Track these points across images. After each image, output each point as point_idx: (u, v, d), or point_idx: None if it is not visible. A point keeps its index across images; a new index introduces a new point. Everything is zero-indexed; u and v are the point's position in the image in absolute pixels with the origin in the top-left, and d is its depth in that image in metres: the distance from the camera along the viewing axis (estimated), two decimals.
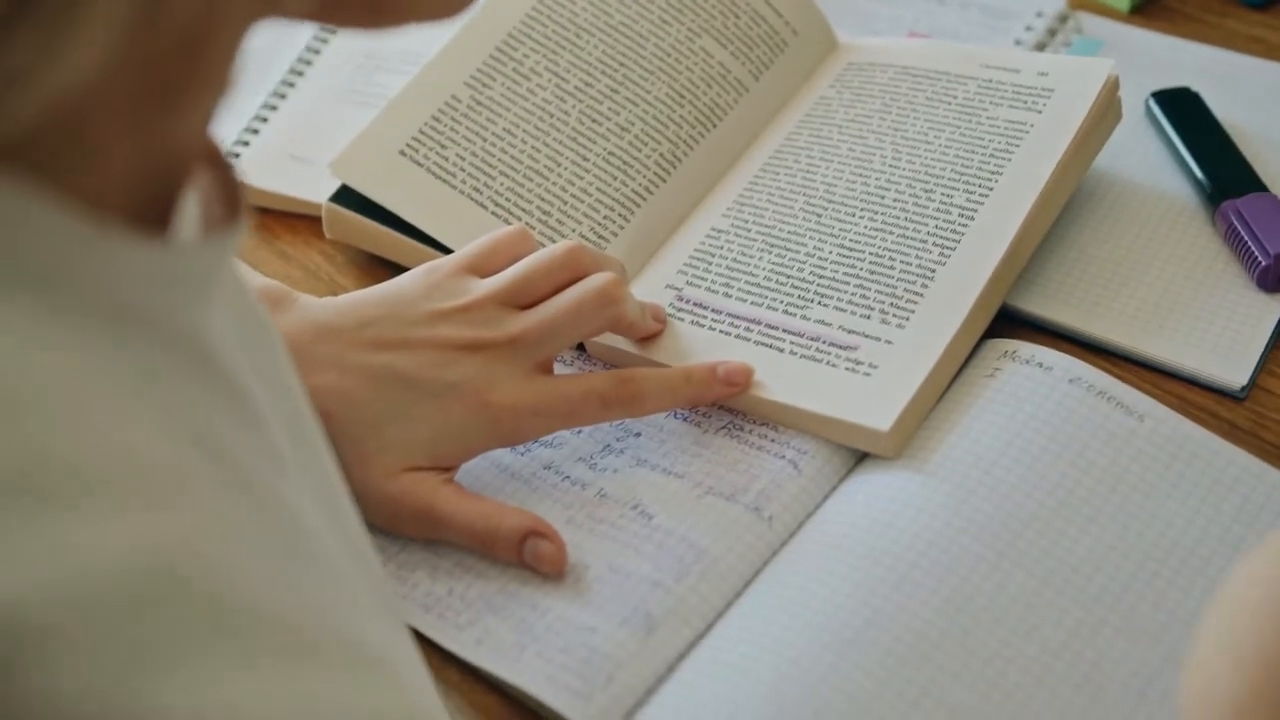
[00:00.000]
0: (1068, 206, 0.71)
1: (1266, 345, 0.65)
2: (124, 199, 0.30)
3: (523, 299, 0.60)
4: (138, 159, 0.30)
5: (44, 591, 0.21)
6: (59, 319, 0.26)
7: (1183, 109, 0.76)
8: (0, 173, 0.26)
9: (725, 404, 0.64)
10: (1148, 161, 0.75)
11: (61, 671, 0.21)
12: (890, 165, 0.71)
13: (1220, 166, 0.72)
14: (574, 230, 0.71)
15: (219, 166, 0.36)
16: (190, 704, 0.22)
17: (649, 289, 0.69)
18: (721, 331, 0.66)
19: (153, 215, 0.32)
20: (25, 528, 0.21)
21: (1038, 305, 0.68)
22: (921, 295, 0.64)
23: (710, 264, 0.69)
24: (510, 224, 0.69)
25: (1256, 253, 0.67)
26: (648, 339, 0.66)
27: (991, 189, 0.68)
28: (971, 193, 0.68)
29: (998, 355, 0.64)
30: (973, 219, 0.67)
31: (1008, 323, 0.67)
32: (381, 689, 0.26)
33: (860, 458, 0.62)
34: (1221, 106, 0.76)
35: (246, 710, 0.23)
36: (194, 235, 0.34)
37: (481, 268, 0.62)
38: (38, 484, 0.22)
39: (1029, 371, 0.62)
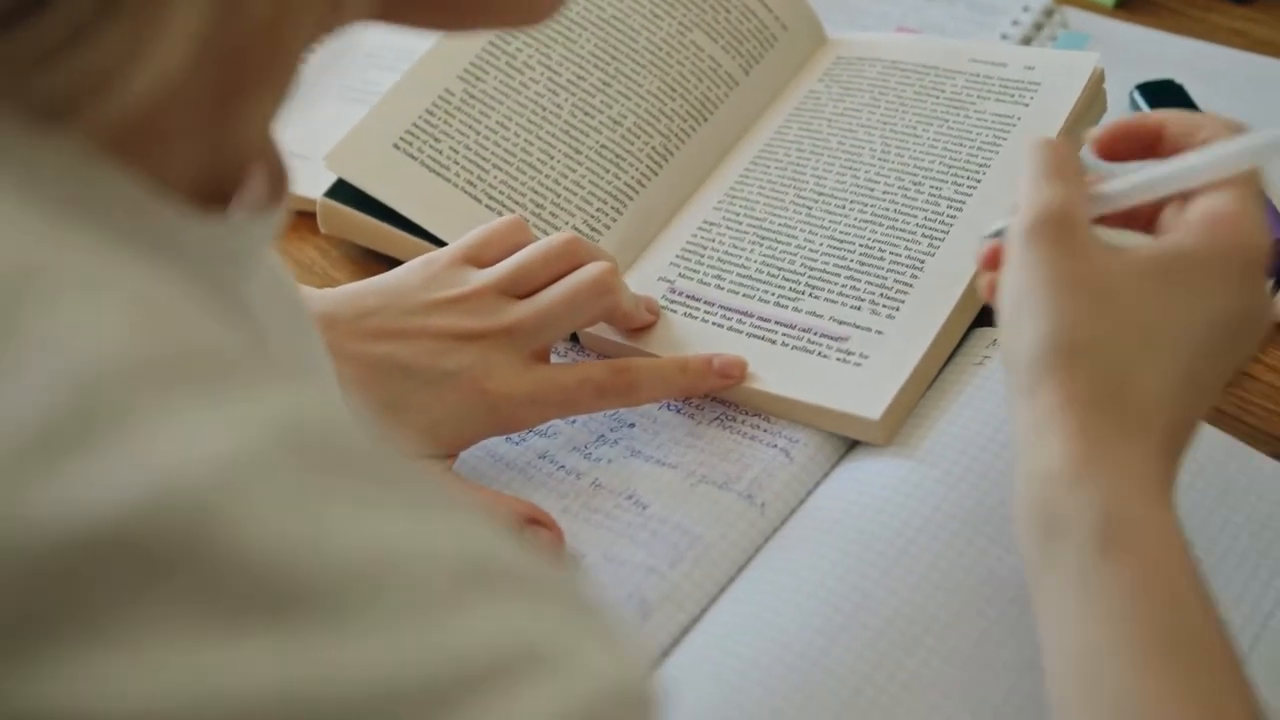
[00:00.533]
0: None
1: None
2: (186, 183, 0.31)
3: (520, 288, 0.61)
4: (203, 152, 0.32)
5: (222, 458, 0.23)
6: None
7: (1167, 100, 0.77)
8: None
9: (718, 396, 0.64)
10: None
11: (252, 522, 0.23)
12: (879, 158, 0.72)
13: None
14: (567, 223, 0.72)
15: (271, 156, 0.38)
16: (376, 544, 0.24)
17: (642, 281, 0.70)
18: (714, 323, 0.67)
19: (214, 195, 0.34)
20: (192, 406, 0.23)
21: None
22: (911, 286, 0.65)
23: (702, 256, 0.70)
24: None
25: None
26: (640, 330, 0.67)
27: (980, 181, 0.69)
28: (960, 185, 0.69)
29: (986, 344, 0.65)
30: (961, 210, 0.68)
31: (991, 311, 0.68)
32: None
33: (851, 445, 0.62)
34: (1204, 98, 0.77)
35: (438, 547, 0.24)
36: (241, 214, 0.36)
37: (479, 258, 0.62)
38: (193, 369, 0.24)
39: None
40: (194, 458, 0.23)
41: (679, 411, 0.65)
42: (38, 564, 0.22)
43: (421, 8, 0.35)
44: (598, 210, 0.72)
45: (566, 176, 0.73)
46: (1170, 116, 0.52)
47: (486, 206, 0.71)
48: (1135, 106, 0.78)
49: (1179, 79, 0.79)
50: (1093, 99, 0.72)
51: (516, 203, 0.72)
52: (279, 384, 0.24)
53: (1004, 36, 0.85)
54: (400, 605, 0.23)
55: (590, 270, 0.62)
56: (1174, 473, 0.46)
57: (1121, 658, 0.40)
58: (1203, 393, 0.47)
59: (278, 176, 0.38)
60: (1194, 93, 0.78)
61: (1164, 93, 0.78)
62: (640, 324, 0.66)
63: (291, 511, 0.23)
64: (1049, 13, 0.87)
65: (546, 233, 0.71)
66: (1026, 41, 0.85)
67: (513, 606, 0.24)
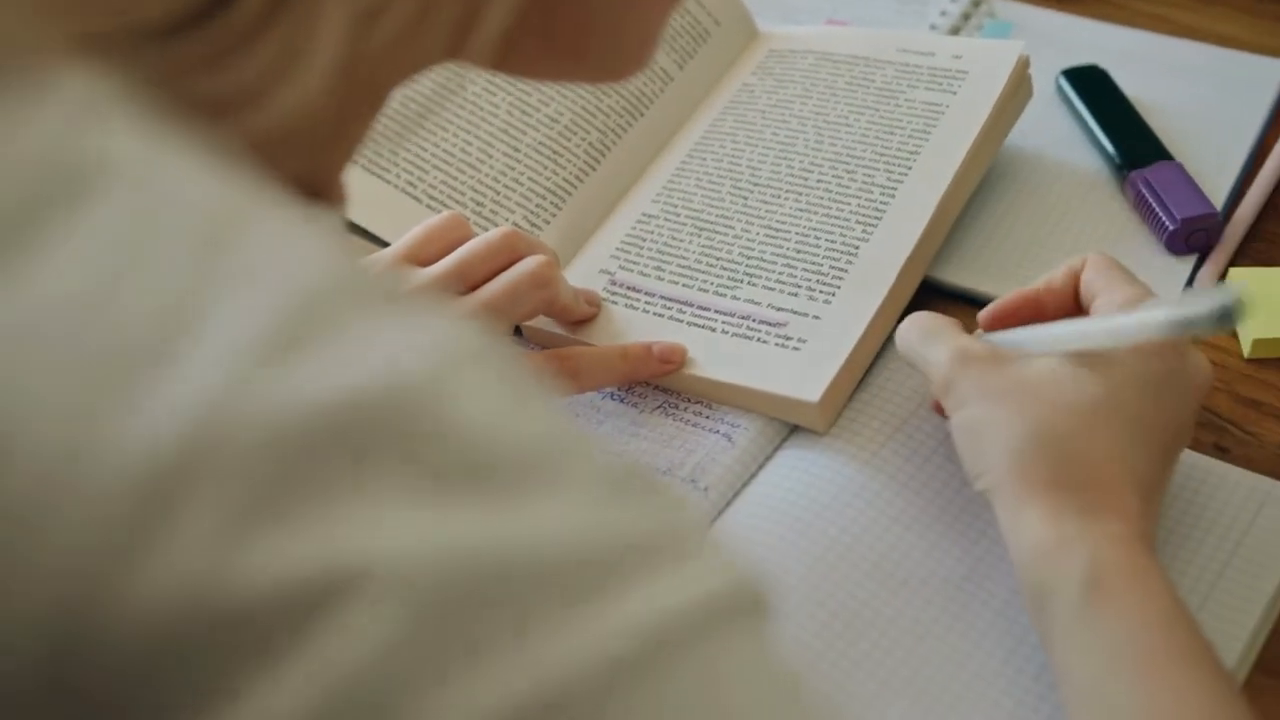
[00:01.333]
0: (984, 181, 0.73)
1: None
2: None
3: (461, 284, 0.62)
4: (305, 170, 0.34)
5: (433, 353, 0.26)
6: None
7: (1092, 85, 0.79)
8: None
9: (661, 384, 0.65)
10: (1059, 136, 0.78)
11: (463, 403, 0.26)
12: (813, 148, 0.73)
13: (1128, 139, 0.75)
14: (508, 219, 0.72)
15: (340, 184, 0.40)
16: (554, 436, 0.27)
17: (583, 275, 0.71)
18: (655, 314, 0.68)
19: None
20: (398, 318, 0.27)
21: (958, 276, 0.70)
22: (846, 271, 0.66)
23: (642, 248, 0.71)
24: None
25: (1164, 219, 0.70)
26: (582, 322, 0.68)
27: (911, 168, 0.70)
28: (892, 172, 0.70)
29: None
30: (893, 197, 0.69)
31: (930, 294, 0.69)
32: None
33: (792, 430, 0.64)
34: (1128, 82, 0.79)
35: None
36: None
37: (419, 256, 0.63)
38: (390, 294, 0.27)
39: None
40: (408, 351, 0.26)
41: (622, 401, 0.66)
42: (271, 443, 0.24)
43: (529, 62, 0.40)
44: (537, 206, 0.73)
45: (505, 174, 0.74)
46: (1045, 289, 0.58)
47: (427, 206, 0.72)
48: (1061, 92, 0.80)
49: (1103, 64, 0.80)
50: (1018, 86, 0.73)
51: (457, 202, 0.72)
52: (443, 315, 0.28)
53: (933, 26, 0.86)
54: (574, 488, 0.26)
55: (528, 264, 0.63)
56: (1150, 525, 0.50)
57: (1123, 676, 0.45)
58: (1155, 447, 0.52)
59: (339, 201, 0.40)
60: (1118, 77, 0.79)
61: (1089, 79, 0.79)
62: (580, 317, 0.67)
63: (492, 399, 0.26)
64: (976, 2, 0.88)
65: (488, 230, 0.71)
66: (955, 31, 0.86)
67: (653, 503, 0.27)
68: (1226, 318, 0.46)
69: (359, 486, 0.24)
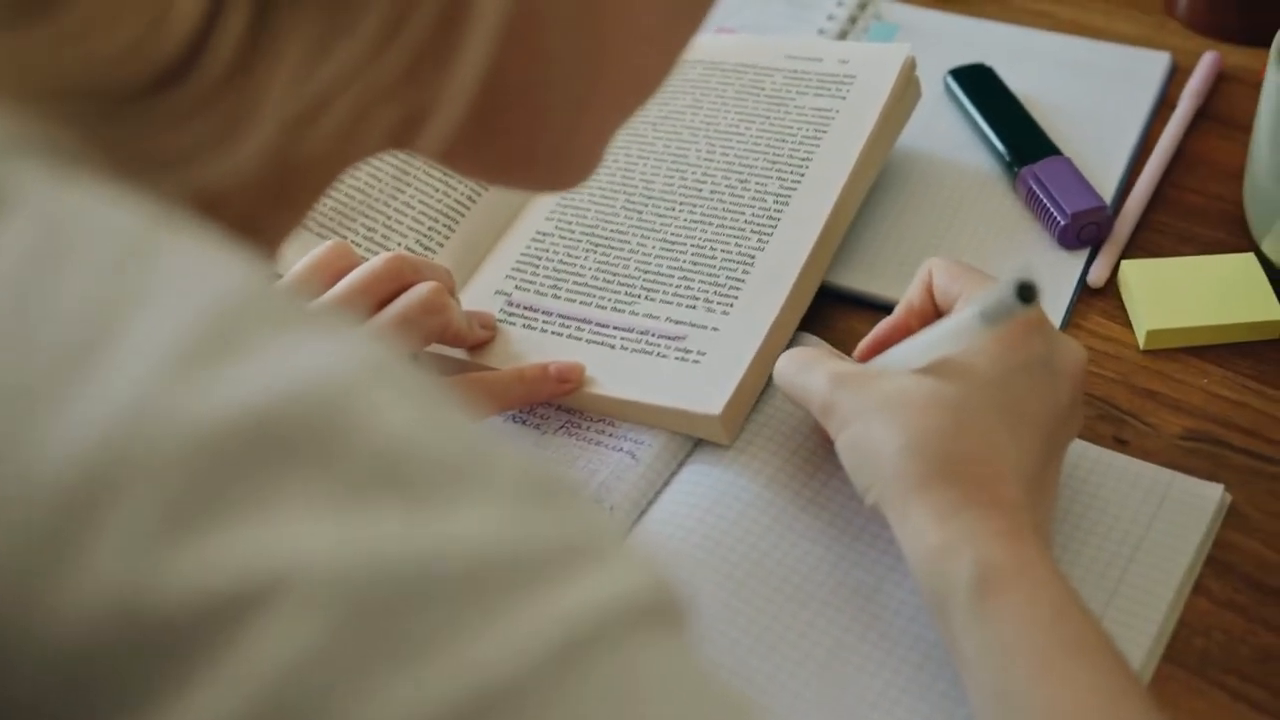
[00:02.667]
0: (877, 184, 0.73)
1: (1071, 299, 0.69)
2: None
3: (352, 312, 0.61)
4: (235, 233, 0.34)
5: (344, 364, 0.26)
6: None
7: (979, 84, 0.80)
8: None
9: (563, 403, 0.65)
10: (949, 135, 0.78)
11: (377, 413, 0.26)
12: (705, 158, 0.73)
13: (1017, 135, 0.75)
14: (400, 243, 0.71)
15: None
16: (466, 443, 0.27)
17: (479, 296, 0.70)
18: (553, 333, 0.67)
19: None
20: (309, 332, 0.27)
21: (855, 280, 0.70)
22: (743, 281, 0.66)
23: (538, 267, 0.70)
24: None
25: (1055, 214, 0.70)
26: (479, 346, 0.67)
27: (803, 175, 0.70)
28: (784, 180, 0.70)
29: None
30: (787, 205, 0.69)
31: (829, 299, 0.69)
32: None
33: (696, 444, 0.63)
34: (1014, 79, 0.80)
35: None
36: None
37: (304, 289, 0.62)
38: (301, 309, 0.27)
39: None
40: (322, 363, 0.26)
41: (524, 423, 0.65)
42: (192, 450, 0.24)
43: (476, 165, 0.41)
44: (430, 229, 0.72)
45: (396, 198, 0.72)
46: (908, 313, 0.59)
47: (317, 235, 0.71)
48: (949, 91, 0.80)
49: (988, 62, 0.81)
50: (905, 87, 0.73)
51: (347, 229, 0.71)
52: (356, 331, 0.28)
53: (821, 31, 0.87)
54: (492, 492, 0.26)
55: (418, 292, 0.62)
56: (1040, 515, 0.51)
57: (1019, 673, 0.45)
58: (1032, 437, 0.52)
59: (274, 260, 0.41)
60: (1003, 74, 0.80)
61: (976, 78, 0.80)
62: (474, 342, 0.66)
63: (406, 408, 0.26)
64: (862, 5, 0.89)
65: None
66: (843, 34, 0.87)
67: (571, 506, 0.28)
68: (1028, 293, 0.46)
69: (276, 495, 0.25)
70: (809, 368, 0.56)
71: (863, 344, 0.60)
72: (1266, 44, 0.82)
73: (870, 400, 0.53)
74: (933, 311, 0.58)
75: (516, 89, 0.37)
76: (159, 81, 0.29)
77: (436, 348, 0.66)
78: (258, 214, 0.36)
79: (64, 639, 0.24)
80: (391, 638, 0.24)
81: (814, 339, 0.66)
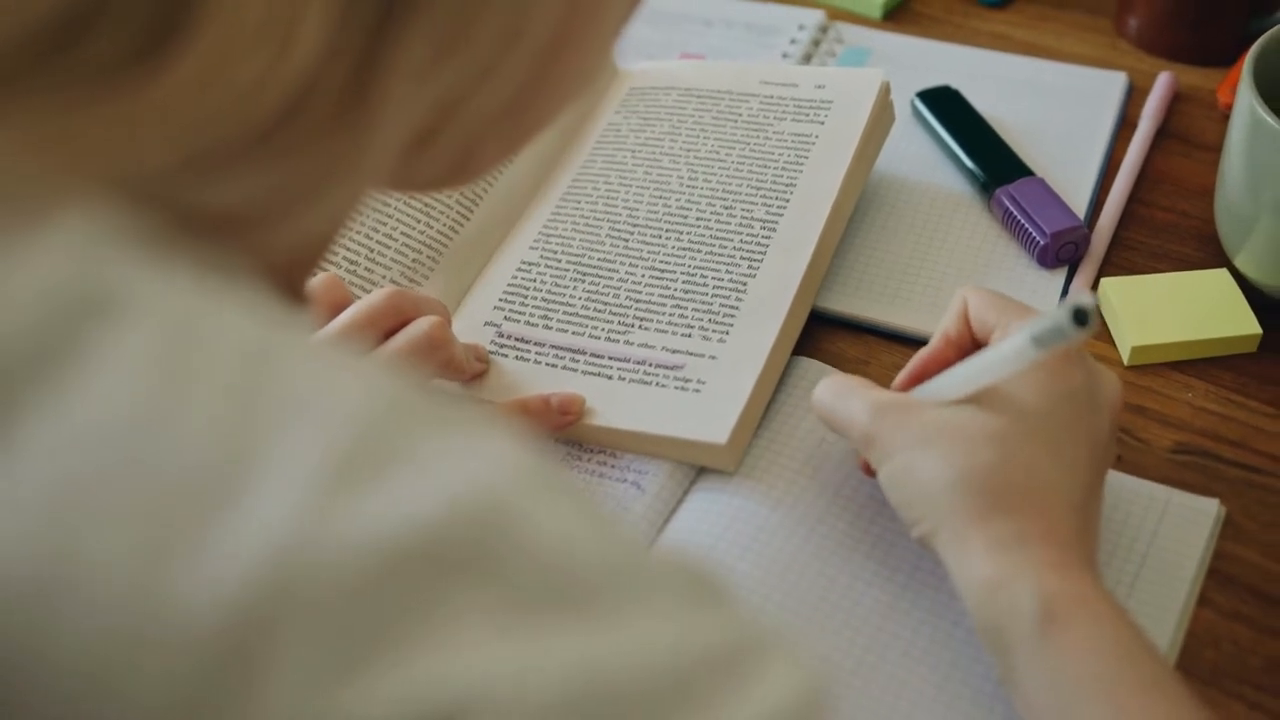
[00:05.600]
0: (855, 207, 0.74)
1: None
2: None
3: None
4: (281, 282, 0.33)
5: (500, 472, 0.26)
6: None
7: (946, 106, 0.81)
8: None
9: (563, 435, 0.64)
10: (921, 158, 0.79)
11: (538, 523, 0.25)
12: (688, 185, 0.73)
13: (989, 157, 0.77)
14: (384, 276, 0.70)
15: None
16: (625, 549, 0.27)
17: (468, 327, 0.69)
18: (547, 364, 0.66)
19: None
20: (454, 438, 0.26)
21: (841, 303, 0.71)
22: (738, 308, 0.66)
23: (526, 297, 0.70)
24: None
25: (1034, 233, 0.71)
26: (474, 379, 0.66)
27: (789, 200, 0.70)
28: (770, 205, 0.71)
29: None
30: (775, 230, 0.69)
31: (814, 322, 0.70)
32: None
33: (700, 471, 0.63)
34: (976, 100, 0.81)
35: None
36: None
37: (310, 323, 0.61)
38: (437, 411, 0.26)
39: None
40: (475, 473, 0.25)
41: None
42: (357, 579, 0.23)
43: (407, 185, 0.40)
44: (414, 261, 0.71)
45: (378, 230, 0.72)
46: (945, 344, 0.58)
47: None
48: (917, 114, 0.81)
49: (952, 84, 0.82)
50: (882, 111, 0.74)
51: (330, 262, 0.70)
52: (496, 429, 0.27)
53: (785, 56, 0.87)
54: (657, 597, 0.26)
55: (420, 326, 0.61)
56: (1090, 547, 0.51)
57: (1088, 708, 0.45)
58: (1078, 466, 0.52)
59: (305, 301, 0.39)
60: (970, 96, 0.81)
61: (943, 100, 0.81)
62: (471, 374, 0.66)
63: (562, 515, 0.26)
64: (823, 29, 0.90)
65: (365, 290, 0.69)
66: (807, 59, 0.87)
67: (728, 607, 0.27)
68: (1083, 319, 0.46)
69: (449, 618, 0.24)
70: (848, 396, 0.56)
71: (901, 376, 0.59)
72: (1217, 64, 0.85)
73: (916, 431, 0.52)
74: (969, 341, 0.58)
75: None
76: (273, 125, 0.28)
77: (434, 381, 0.65)
78: (308, 260, 0.35)
79: None
80: None
81: (816, 364, 0.67)
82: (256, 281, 0.28)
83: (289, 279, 0.34)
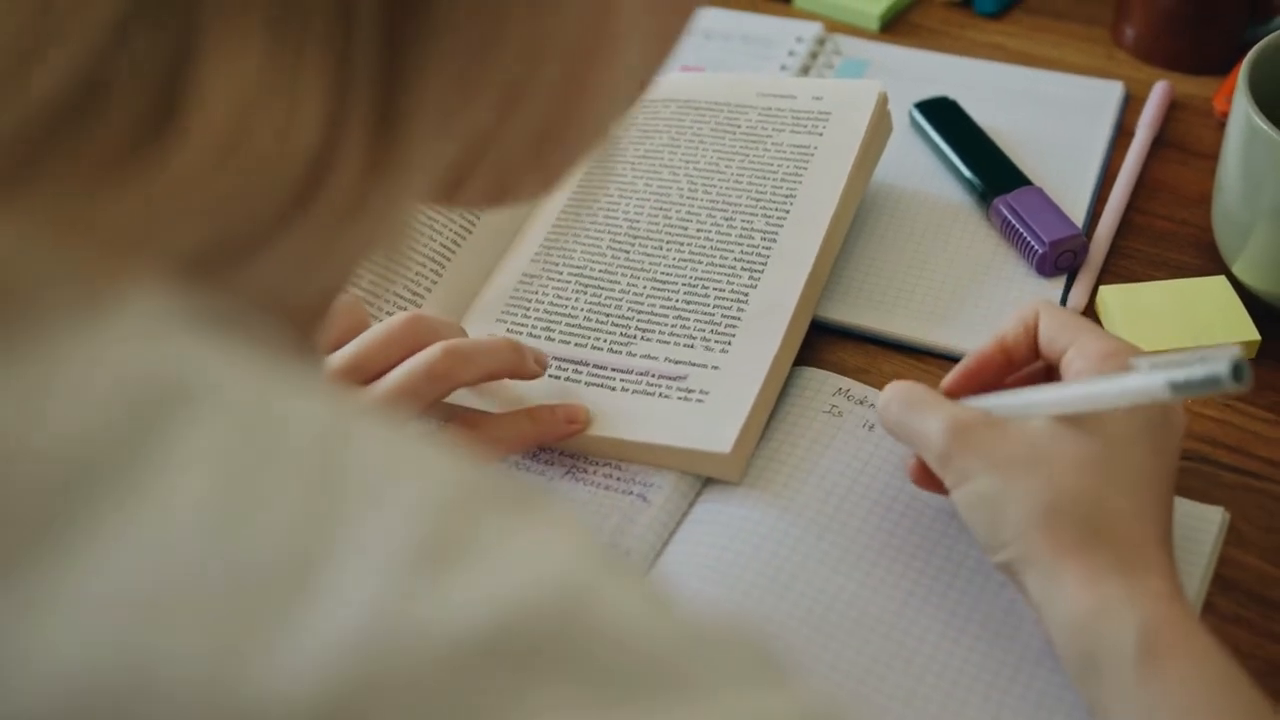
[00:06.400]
0: (854, 218, 0.75)
1: None
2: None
3: (363, 374, 0.60)
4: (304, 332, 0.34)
5: (571, 558, 0.26)
6: None
7: (944, 116, 0.81)
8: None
9: (566, 447, 0.65)
10: (919, 167, 0.80)
11: (610, 608, 0.25)
12: (688, 197, 0.74)
13: (987, 166, 0.77)
14: (387, 290, 0.71)
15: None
16: (687, 629, 0.27)
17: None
18: (550, 375, 0.67)
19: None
20: (525, 522, 0.26)
21: (841, 313, 0.71)
22: (739, 319, 0.67)
23: (528, 310, 0.70)
24: None
25: (1033, 242, 0.72)
26: (483, 388, 0.66)
27: (789, 211, 0.71)
28: (770, 216, 0.71)
29: (832, 392, 0.66)
30: (775, 241, 0.70)
31: (815, 331, 0.70)
32: None
33: (705, 481, 0.63)
34: (972, 110, 0.82)
35: None
36: None
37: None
38: (506, 493, 0.26)
39: (863, 412, 0.65)
40: (549, 559, 0.25)
41: (528, 470, 0.65)
42: (439, 667, 0.23)
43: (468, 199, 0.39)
44: (416, 275, 0.72)
45: None
46: (1000, 347, 0.57)
47: None
48: (915, 124, 0.82)
49: (950, 94, 0.83)
50: (880, 122, 0.75)
51: None
52: (563, 512, 0.27)
53: (783, 68, 0.88)
54: (729, 681, 0.26)
55: (424, 357, 0.60)
56: (1172, 567, 0.50)
57: None
58: (1161, 497, 0.52)
59: (319, 348, 0.40)
60: (967, 107, 0.82)
61: (941, 110, 0.82)
62: (533, 375, 0.64)
63: (634, 599, 0.26)
64: (821, 41, 0.90)
65: (371, 305, 0.70)
66: (804, 71, 0.88)
67: (794, 682, 0.27)
68: (1241, 375, 0.43)
69: (527, 708, 0.24)
70: (922, 409, 0.54)
71: (953, 377, 0.57)
72: (1213, 72, 0.86)
73: (1002, 454, 0.51)
74: (1026, 353, 0.57)
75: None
76: (301, 190, 0.28)
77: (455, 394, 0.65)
78: (327, 307, 0.35)
79: None
80: None
81: (819, 373, 0.67)
82: (278, 333, 0.28)
83: (305, 325, 0.34)
